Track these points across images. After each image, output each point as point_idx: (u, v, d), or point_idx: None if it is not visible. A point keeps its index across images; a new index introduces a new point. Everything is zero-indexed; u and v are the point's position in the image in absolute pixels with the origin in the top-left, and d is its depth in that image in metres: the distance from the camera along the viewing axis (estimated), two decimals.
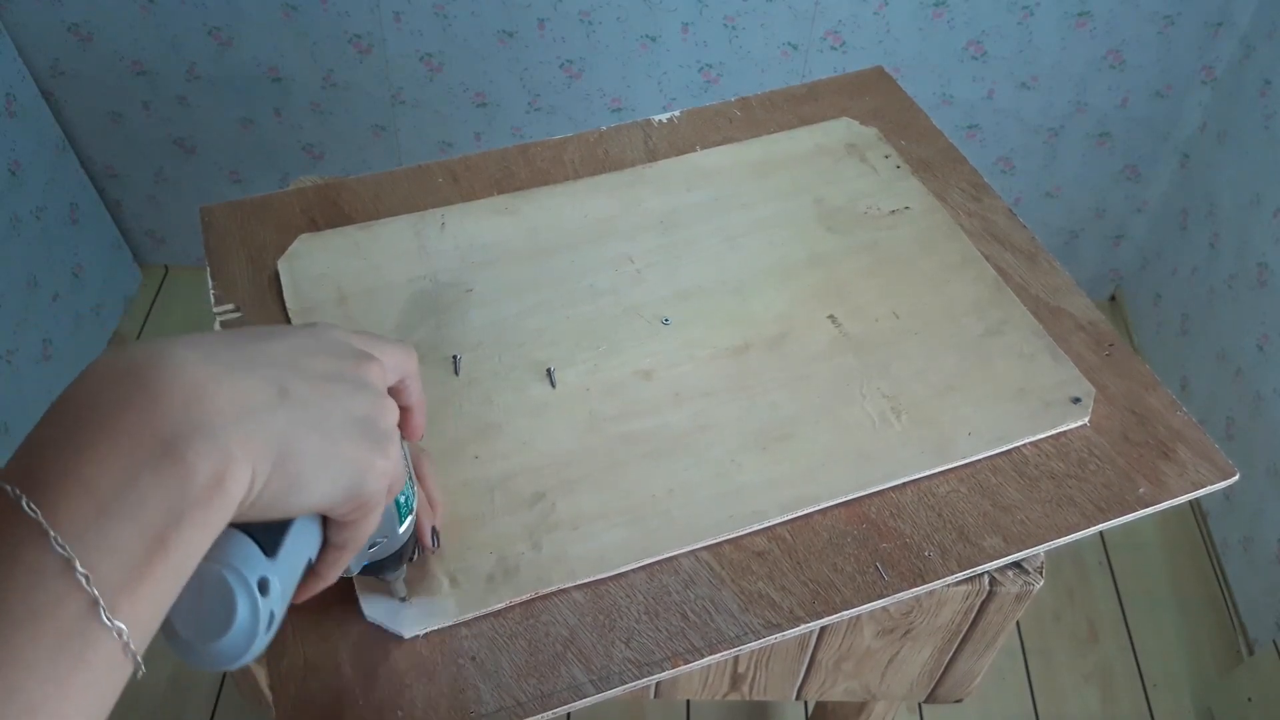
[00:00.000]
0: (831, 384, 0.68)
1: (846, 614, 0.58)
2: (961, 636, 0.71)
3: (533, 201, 0.81)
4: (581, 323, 0.72)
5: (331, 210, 0.81)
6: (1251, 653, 1.50)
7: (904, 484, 0.64)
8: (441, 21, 1.57)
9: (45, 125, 1.69)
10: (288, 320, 0.72)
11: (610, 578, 0.59)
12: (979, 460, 0.65)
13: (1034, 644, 1.56)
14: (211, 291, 0.75)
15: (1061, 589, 1.62)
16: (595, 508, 0.62)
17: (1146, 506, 0.63)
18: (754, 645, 0.57)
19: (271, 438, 0.37)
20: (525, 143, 0.86)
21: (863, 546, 0.61)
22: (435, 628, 0.56)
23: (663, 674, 0.55)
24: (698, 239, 0.78)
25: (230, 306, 0.73)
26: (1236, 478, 0.65)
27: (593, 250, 0.77)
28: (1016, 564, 0.68)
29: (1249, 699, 1.39)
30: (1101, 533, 1.75)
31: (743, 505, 0.62)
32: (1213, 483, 0.64)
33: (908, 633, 0.71)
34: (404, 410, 0.48)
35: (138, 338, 1.90)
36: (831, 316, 0.73)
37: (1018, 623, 1.57)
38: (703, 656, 0.56)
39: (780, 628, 0.57)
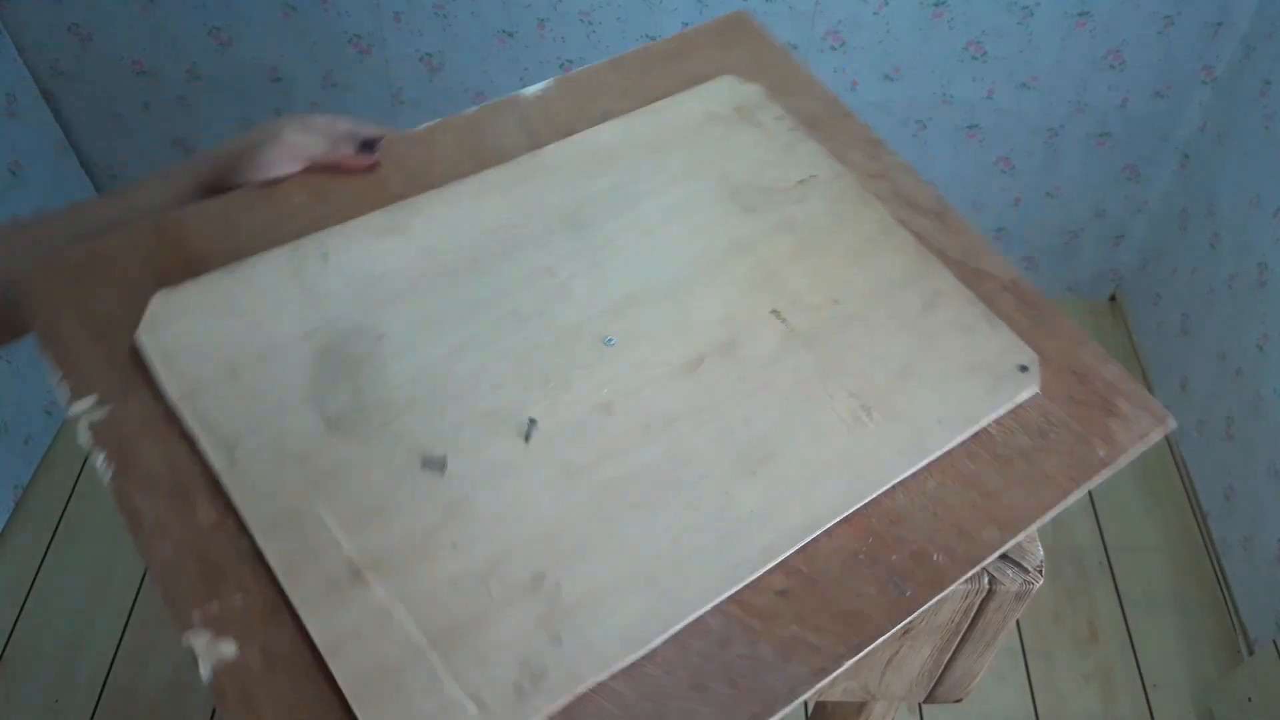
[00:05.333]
0: (795, 388, 0.66)
1: (882, 639, 0.56)
2: (961, 636, 0.71)
3: (418, 213, 0.71)
4: (518, 357, 0.64)
5: (179, 254, 0.66)
6: (1251, 653, 1.50)
7: (894, 486, 0.62)
8: (441, 21, 1.57)
9: (45, 125, 1.69)
10: (167, 410, 0.59)
11: (644, 657, 0.54)
12: (955, 448, 0.64)
13: (1034, 644, 1.56)
14: (61, 384, 0.60)
15: (1061, 589, 1.62)
16: (603, 579, 0.56)
17: (1107, 467, 0.63)
18: (807, 695, 0.54)
19: None
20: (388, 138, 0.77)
21: (876, 564, 0.59)
22: None
23: None
24: (613, 237, 0.73)
25: (91, 400, 0.59)
26: (1174, 425, 0.66)
27: (505, 265, 0.69)
28: (1016, 563, 0.67)
29: (1249, 699, 1.39)
30: (1101, 534, 1.76)
31: (750, 544, 0.59)
32: (1154, 431, 0.64)
33: (907, 632, 0.70)
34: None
35: None
36: (775, 311, 0.69)
37: (1018, 623, 1.57)
38: None
39: (827, 671, 0.54)
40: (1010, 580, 0.66)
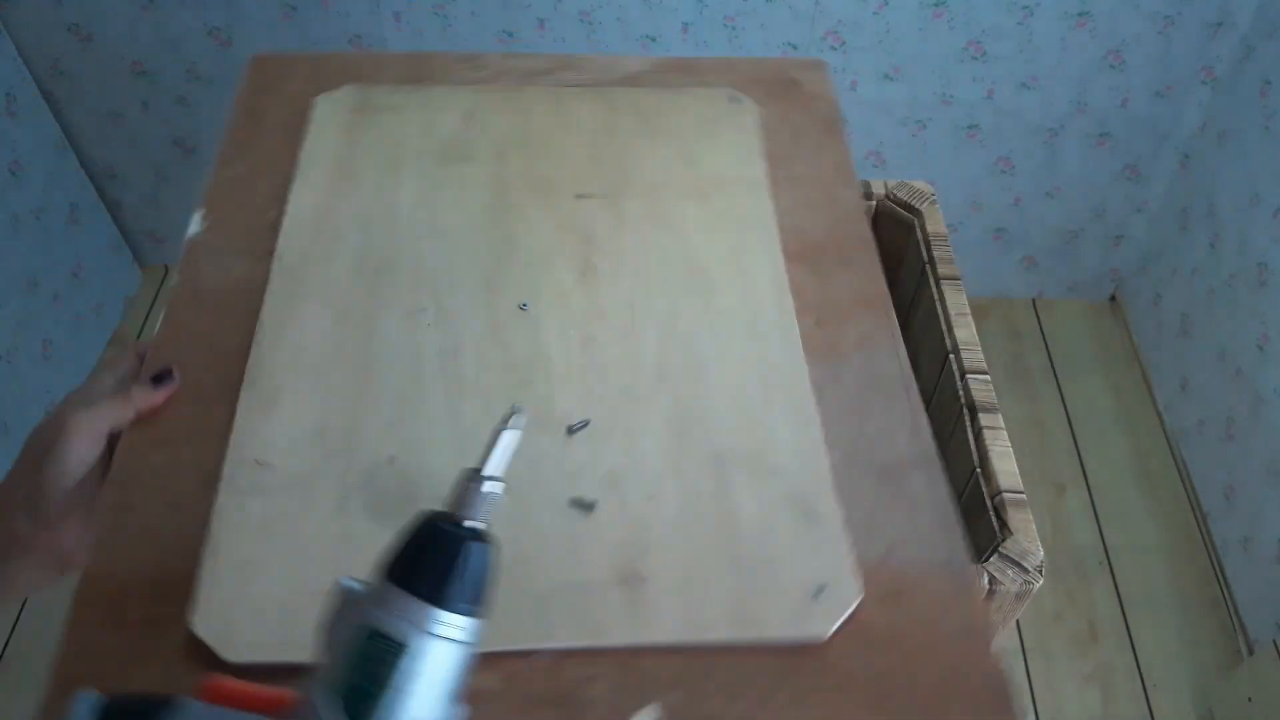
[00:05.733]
0: (662, 223, 0.77)
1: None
2: None
3: (267, 372, 0.66)
4: (495, 373, 0.67)
5: (140, 598, 0.57)
6: (1251, 653, 1.50)
7: (780, 228, 0.77)
8: (441, 21, 1.57)
9: (45, 125, 1.69)
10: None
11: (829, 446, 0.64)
12: (772, 178, 0.80)
13: (1034, 644, 1.56)
14: None
15: (1061, 590, 1.62)
16: (757, 421, 0.64)
17: (836, 112, 0.87)
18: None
19: None
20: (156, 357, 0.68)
21: (848, 271, 0.75)
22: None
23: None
24: (416, 255, 0.74)
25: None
26: (823, 62, 0.92)
27: (385, 336, 0.69)
28: (1016, 563, 0.67)
29: (1249, 699, 1.39)
30: (1101, 534, 1.74)
31: (786, 373, 0.68)
32: (822, 73, 0.91)
33: None
34: None
35: (138, 338, 1.90)
36: (580, 195, 0.78)
37: (1018, 622, 1.57)
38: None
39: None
40: (1010, 580, 0.66)
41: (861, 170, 1.77)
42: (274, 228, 0.75)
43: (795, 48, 1.58)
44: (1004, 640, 0.74)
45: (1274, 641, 1.37)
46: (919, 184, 0.99)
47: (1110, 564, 1.65)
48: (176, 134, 1.76)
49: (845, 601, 0.55)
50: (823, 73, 0.92)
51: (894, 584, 0.57)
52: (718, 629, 0.54)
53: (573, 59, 0.90)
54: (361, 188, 0.78)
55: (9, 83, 1.60)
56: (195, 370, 0.66)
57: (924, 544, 0.59)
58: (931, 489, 0.62)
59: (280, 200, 0.77)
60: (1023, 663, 1.53)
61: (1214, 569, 1.63)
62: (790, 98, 0.88)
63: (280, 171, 0.79)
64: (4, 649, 1.53)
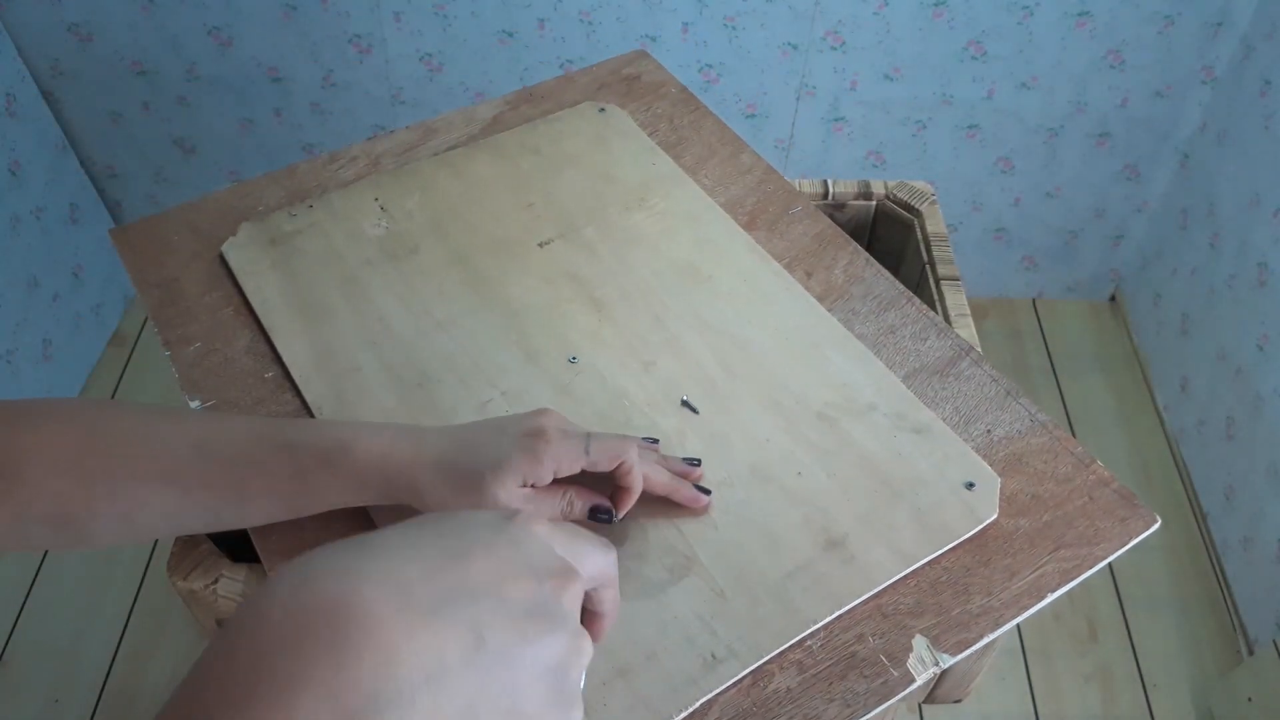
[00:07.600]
0: (643, 227, 0.80)
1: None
2: None
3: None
4: (586, 419, 0.68)
5: None
6: (1251, 653, 1.50)
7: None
8: (441, 21, 1.57)
9: (45, 125, 1.69)
10: None
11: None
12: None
13: (1034, 644, 1.56)
14: None
15: None
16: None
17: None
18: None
19: (460, 702, 0.34)
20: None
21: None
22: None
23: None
24: (436, 350, 0.72)
25: None
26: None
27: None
28: None
29: (1249, 699, 1.39)
30: None
31: (817, 325, 0.73)
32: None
33: None
34: (593, 615, 0.45)
35: (138, 338, 1.90)
36: (541, 243, 0.79)
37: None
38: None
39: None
40: None
41: (861, 170, 1.78)
42: (283, 386, 0.71)
43: (795, 47, 1.58)
44: (1004, 640, 0.74)
45: (1274, 641, 1.37)
46: (919, 184, 0.99)
47: (1110, 564, 1.65)
48: (176, 134, 1.76)
49: (992, 483, 0.64)
50: (651, 60, 0.95)
51: (1009, 454, 0.66)
52: (921, 551, 0.61)
53: (430, 124, 0.89)
54: (337, 313, 0.74)
55: (9, 83, 1.60)
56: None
57: (1006, 414, 0.68)
58: (981, 368, 0.71)
59: (267, 358, 0.72)
60: (1023, 663, 1.54)
61: (1214, 569, 1.63)
62: (640, 92, 0.92)
63: (242, 331, 0.74)
64: (4, 649, 1.53)
